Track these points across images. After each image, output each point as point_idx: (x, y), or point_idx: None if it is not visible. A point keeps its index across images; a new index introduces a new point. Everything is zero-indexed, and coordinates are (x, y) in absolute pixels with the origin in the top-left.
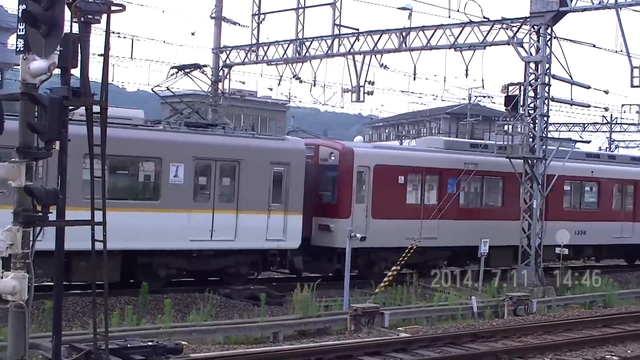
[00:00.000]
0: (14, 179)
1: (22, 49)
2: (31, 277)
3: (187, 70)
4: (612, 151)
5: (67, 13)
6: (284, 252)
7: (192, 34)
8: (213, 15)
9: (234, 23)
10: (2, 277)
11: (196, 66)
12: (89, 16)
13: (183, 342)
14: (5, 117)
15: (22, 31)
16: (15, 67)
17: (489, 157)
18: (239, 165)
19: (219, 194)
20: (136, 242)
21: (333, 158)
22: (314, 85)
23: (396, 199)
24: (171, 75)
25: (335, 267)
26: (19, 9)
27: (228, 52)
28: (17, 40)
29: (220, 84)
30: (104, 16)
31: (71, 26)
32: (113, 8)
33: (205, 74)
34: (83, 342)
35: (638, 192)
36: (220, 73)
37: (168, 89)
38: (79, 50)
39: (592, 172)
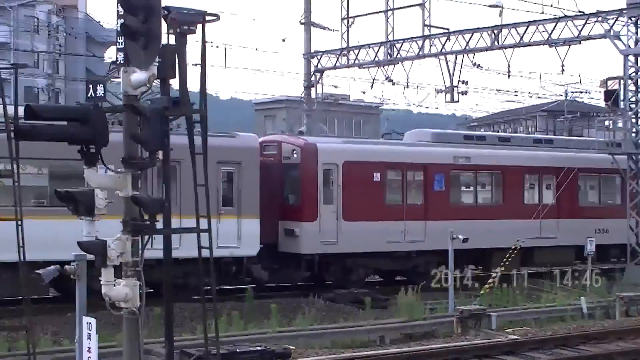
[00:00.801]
0: (121, 189)
1: (122, 61)
2: (142, 284)
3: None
4: None
5: (163, 25)
6: (240, 260)
7: (283, 40)
8: (302, 20)
9: (324, 28)
10: (115, 285)
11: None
12: (185, 27)
13: (291, 347)
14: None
15: (122, 44)
16: (112, 79)
17: (484, 150)
18: (180, 166)
19: None
20: None
21: (295, 155)
22: (407, 87)
23: (372, 199)
24: (112, 70)
25: (303, 275)
26: (117, 23)
27: (319, 57)
28: (117, 53)
29: (312, 89)
30: (199, 26)
31: (168, 37)
32: (207, 18)
33: None
34: (193, 347)
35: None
36: (313, 78)
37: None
38: (177, 61)
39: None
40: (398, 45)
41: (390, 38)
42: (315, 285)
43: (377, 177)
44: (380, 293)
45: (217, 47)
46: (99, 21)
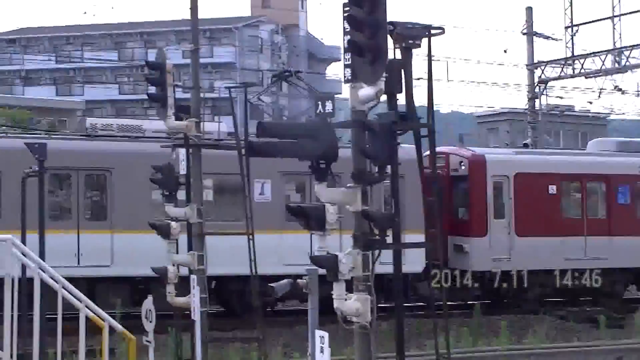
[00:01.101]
0: (351, 204)
1: (349, 77)
2: (373, 299)
3: (286, 75)
4: None
5: (389, 40)
6: (405, 277)
7: (505, 51)
8: (524, 31)
9: (547, 37)
10: (346, 300)
11: (290, 72)
12: (410, 41)
13: None
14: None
15: (349, 60)
16: (335, 95)
17: None
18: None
19: None
20: None
21: (463, 167)
22: (638, 95)
23: (548, 213)
24: (272, 83)
25: (474, 293)
26: (343, 39)
27: (543, 67)
28: (344, 69)
29: (536, 101)
30: (424, 40)
31: (394, 52)
32: (433, 32)
33: (301, 79)
34: None
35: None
36: (536, 89)
37: (259, 99)
38: (403, 76)
39: None
40: (627, 53)
41: (617, 45)
42: (547, 302)
43: (552, 189)
44: (617, 311)
45: (439, 60)
46: (321, 38)
